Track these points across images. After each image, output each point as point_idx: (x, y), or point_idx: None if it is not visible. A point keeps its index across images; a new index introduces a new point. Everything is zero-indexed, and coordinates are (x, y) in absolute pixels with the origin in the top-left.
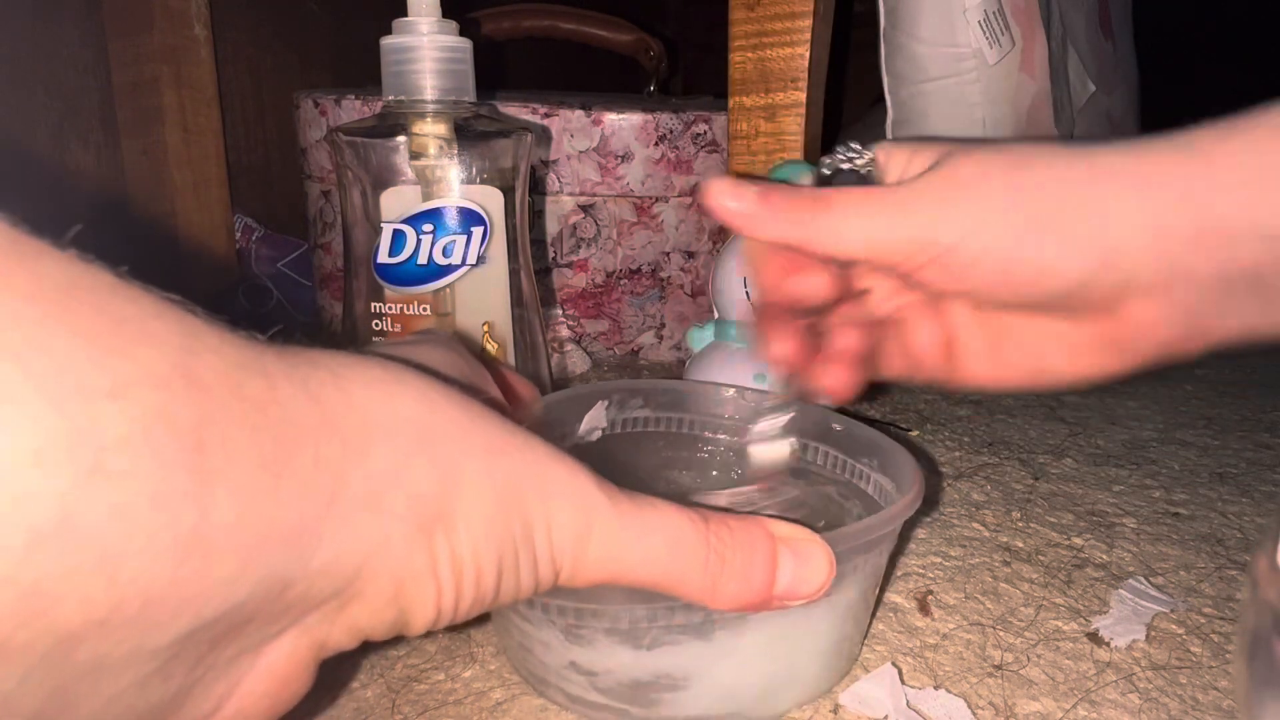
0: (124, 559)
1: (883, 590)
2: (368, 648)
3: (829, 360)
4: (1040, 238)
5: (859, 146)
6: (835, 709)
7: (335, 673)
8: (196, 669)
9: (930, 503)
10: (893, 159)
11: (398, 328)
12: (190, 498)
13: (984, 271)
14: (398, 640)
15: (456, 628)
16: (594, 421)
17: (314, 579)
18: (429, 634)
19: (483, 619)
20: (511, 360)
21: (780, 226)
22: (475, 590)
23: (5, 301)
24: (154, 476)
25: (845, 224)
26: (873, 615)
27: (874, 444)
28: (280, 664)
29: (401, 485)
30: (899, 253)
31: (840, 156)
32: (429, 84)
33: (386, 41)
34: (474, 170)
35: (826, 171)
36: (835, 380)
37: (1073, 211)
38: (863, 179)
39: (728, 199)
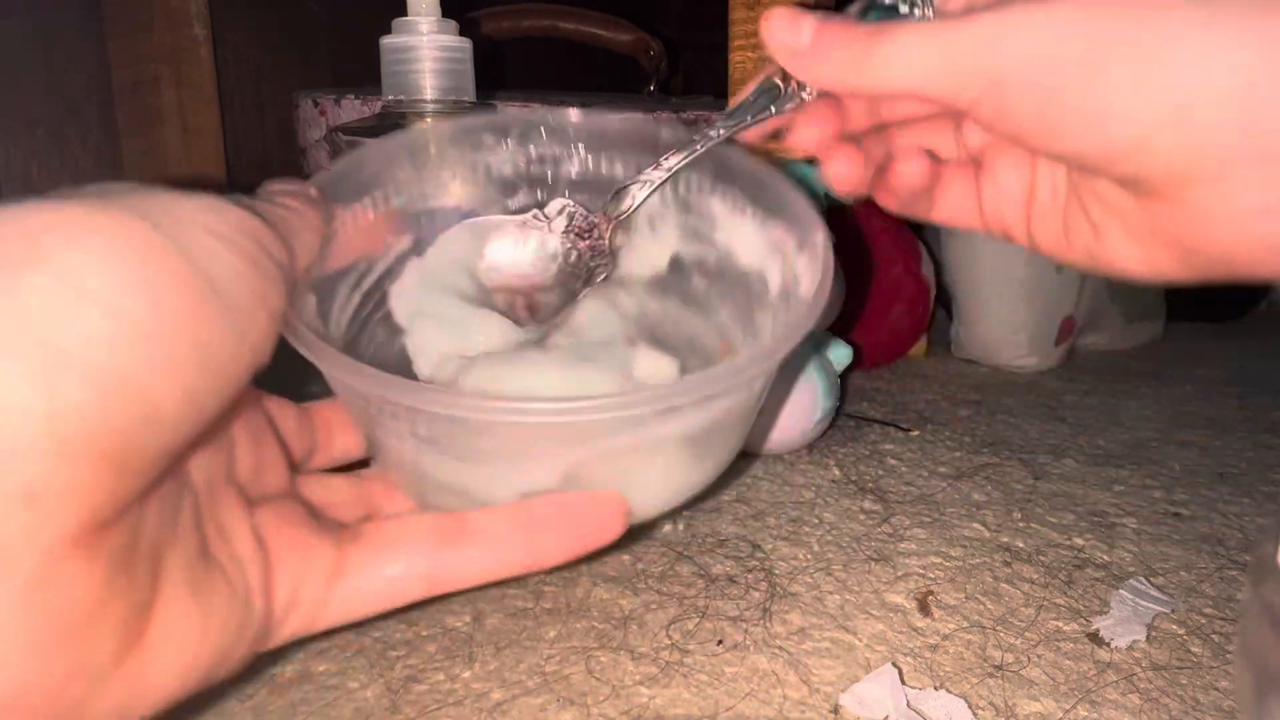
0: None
1: (883, 589)
2: (367, 648)
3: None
4: (1095, 77)
5: None
6: (835, 709)
7: (336, 672)
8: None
9: (931, 503)
10: None
11: None
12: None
13: (1028, 112)
14: (398, 640)
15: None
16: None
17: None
18: (429, 633)
19: (483, 621)
20: None
21: (832, 69)
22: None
23: None
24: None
25: (897, 57)
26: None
27: (763, 184)
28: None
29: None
30: (947, 86)
31: None
32: (429, 84)
33: (386, 41)
34: None
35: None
36: (844, 164)
37: (1143, 47)
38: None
39: (784, 33)
